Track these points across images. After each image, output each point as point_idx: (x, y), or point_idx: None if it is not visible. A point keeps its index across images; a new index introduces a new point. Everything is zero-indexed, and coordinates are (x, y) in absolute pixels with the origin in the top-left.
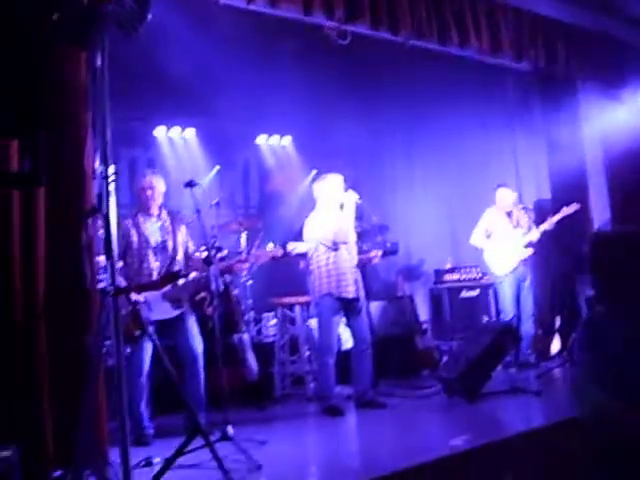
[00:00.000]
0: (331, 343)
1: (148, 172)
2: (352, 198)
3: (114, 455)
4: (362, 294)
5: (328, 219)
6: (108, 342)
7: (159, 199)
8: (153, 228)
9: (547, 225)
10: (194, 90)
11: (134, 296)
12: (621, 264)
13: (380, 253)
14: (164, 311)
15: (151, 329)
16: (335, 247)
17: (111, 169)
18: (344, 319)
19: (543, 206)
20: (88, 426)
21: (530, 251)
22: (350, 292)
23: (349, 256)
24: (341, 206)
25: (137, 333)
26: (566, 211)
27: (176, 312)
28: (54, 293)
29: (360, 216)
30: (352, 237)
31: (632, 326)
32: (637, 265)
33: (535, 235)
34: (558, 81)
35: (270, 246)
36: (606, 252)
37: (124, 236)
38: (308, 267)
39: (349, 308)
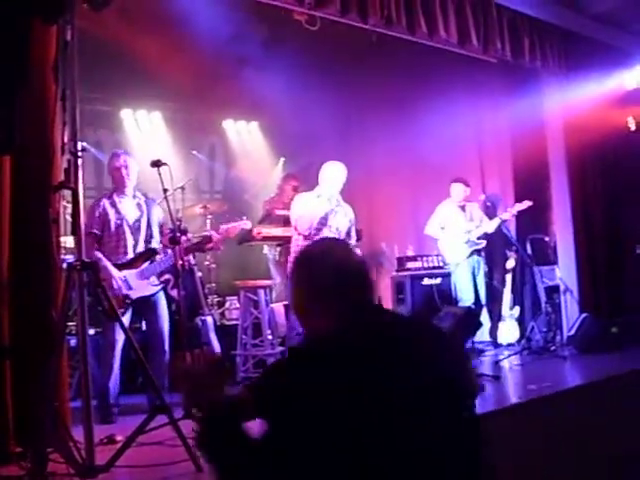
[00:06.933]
0: None
1: (121, 152)
2: (348, 214)
3: (78, 433)
4: None
5: (314, 208)
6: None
7: (134, 179)
8: (129, 207)
9: (497, 222)
10: (161, 74)
11: (115, 274)
12: None
13: None
14: (143, 289)
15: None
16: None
17: (79, 145)
18: None
19: (492, 201)
20: (51, 403)
21: (483, 243)
22: None
23: None
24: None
25: (121, 311)
26: (519, 207)
27: (154, 289)
28: (19, 266)
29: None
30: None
31: None
32: None
33: (489, 227)
34: (523, 73)
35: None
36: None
37: (101, 215)
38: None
39: None
